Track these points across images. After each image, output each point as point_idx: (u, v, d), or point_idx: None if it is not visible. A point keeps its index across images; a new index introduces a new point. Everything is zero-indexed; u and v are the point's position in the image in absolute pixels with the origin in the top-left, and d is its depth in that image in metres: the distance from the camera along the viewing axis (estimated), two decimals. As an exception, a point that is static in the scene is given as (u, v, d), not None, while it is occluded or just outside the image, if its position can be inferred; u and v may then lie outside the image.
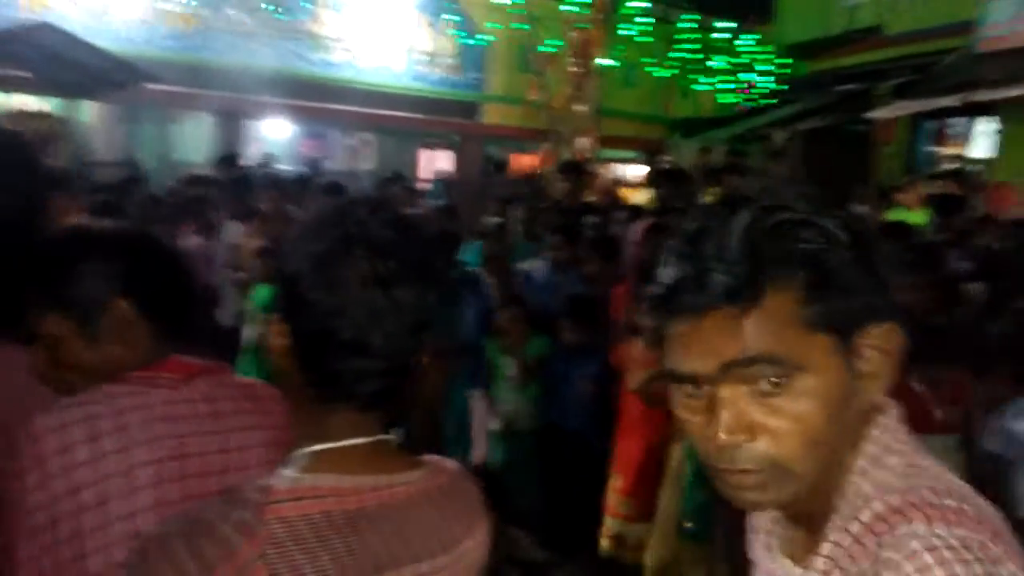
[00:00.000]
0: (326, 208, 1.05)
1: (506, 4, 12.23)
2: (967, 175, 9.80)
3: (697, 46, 13.78)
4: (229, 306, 4.64)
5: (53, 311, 1.28)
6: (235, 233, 5.12)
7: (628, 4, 12.18)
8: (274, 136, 14.18)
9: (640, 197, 7.68)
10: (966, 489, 0.81)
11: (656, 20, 12.97)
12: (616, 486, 3.67)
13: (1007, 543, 0.76)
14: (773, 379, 0.77)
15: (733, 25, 13.84)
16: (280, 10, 12.48)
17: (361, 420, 1.00)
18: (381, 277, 0.96)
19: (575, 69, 11.24)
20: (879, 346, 0.81)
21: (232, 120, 12.61)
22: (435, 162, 15.04)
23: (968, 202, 7.78)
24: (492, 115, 14.71)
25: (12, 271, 1.32)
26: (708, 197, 7.04)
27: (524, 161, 14.83)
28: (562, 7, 11.46)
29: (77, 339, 1.28)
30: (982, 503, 0.80)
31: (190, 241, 4.82)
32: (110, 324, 1.28)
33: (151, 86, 9.52)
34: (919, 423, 3.32)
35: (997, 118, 9.58)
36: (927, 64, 9.61)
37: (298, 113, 12.93)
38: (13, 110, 10.73)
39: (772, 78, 14.32)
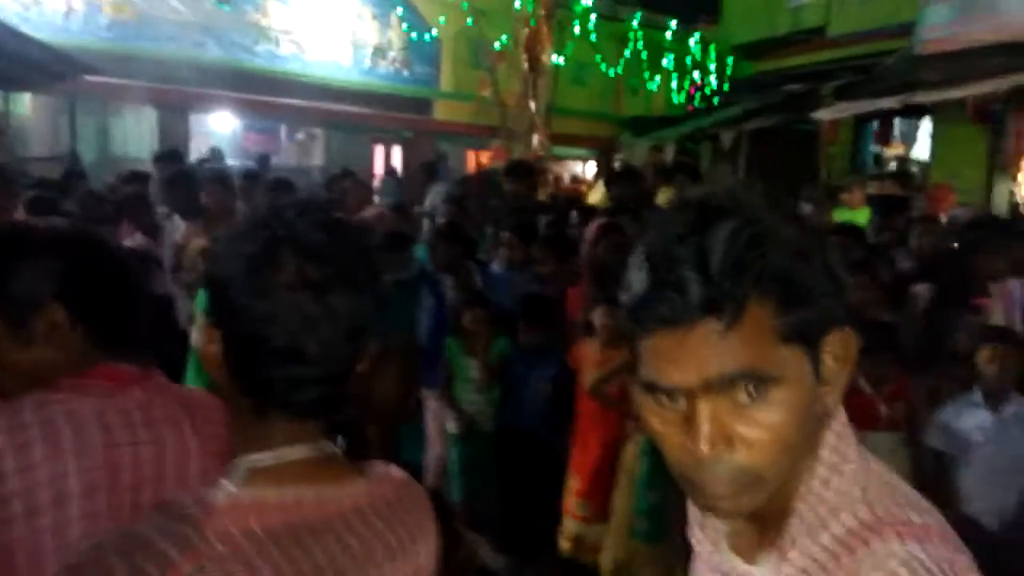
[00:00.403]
0: (256, 210, 1.03)
1: (455, -1, 12.21)
2: (909, 175, 10.09)
3: (644, 44, 13.96)
4: (183, 308, 4.52)
5: None
6: (179, 232, 4.98)
7: (579, 1, 12.24)
8: (220, 130, 13.89)
9: (594, 196, 7.71)
10: (914, 495, 0.85)
11: (604, 17, 13.05)
12: (573, 487, 3.69)
13: (964, 552, 0.80)
14: (751, 391, 0.78)
15: (680, 25, 14.04)
16: (224, 1, 12.21)
17: (300, 429, 0.98)
18: (311, 281, 0.94)
19: (525, 66, 11.24)
20: (837, 352, 0.83)
21: (176, 113, 12.31)
22: (390, 158, 14.92)
23: (910, 202, 8.02)
24: (444, 111, 14.63)
25: None
26: (661, 196, 7.12)
27: (479, 158, 14.83)
28: (511, 3, 11.46)
29: (7, 340, 1.25)
30: (932, 510, 0.84)
31: (135, 240, 4.67)
32: (43, 327, 1.25)
33: (90, 78, 9.24)
34: (865, 420, 3.38)
35: (932, 120, 9.88)
36: (869, 65, 9.84)
37: (244, 107, 12.68)
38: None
39: (718, 78, 14.57)
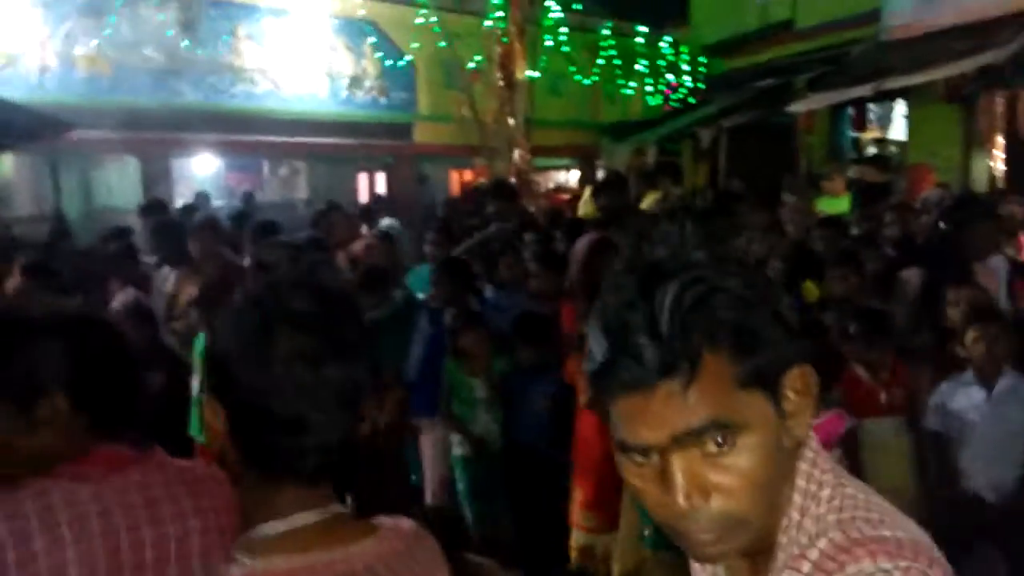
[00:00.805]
0: (251, 288, 1.07)
1: (425, 24, 12.26)
2: (887, 158, 10.17)
3: (617, 52, 14.06)
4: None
5: None
6: (169, 282, 5.00)
7: (549, 16, 12.33)
8: (203, 173, 13.91)
9: (584, 208, 7.75)
10: (887, 508, 0.89)
11: (575, 29, 13.14)
12: (578, 499, 3.71)
13: (938, 563, 0.84)
14: (718, 440, 0.82)
15: (649, 30, 14.15)
16: (197, 45, 12.27)
17: (308, 494, 1.01)
18: (306, 354, 0.98)
19: (501, 83, 11.31)
20: (797, 387, 0.87)
21: (158, 161, 12.34)
22: (375, 185, 14.95)
23: (891, 186, 8.09)
24: (424, 134, 14.69)
25: None
26: (646, 201, 7.18)
27: (462, 177, 14.89)
28: (481, 23, 11.55)
29: (9, 426, 1.25)
30: (907, 522, 0.87)
31: (127, 294, 4.68)
32: (45, 414, 1.26)
33: (71, 134, 9.26)
34: (867, 408, 3.42)
35: (906, 102, 9.97)
36: (839, 55, 9.94)
37: (225, 147, 12.71)
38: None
39: (691, 78, 14.68)
